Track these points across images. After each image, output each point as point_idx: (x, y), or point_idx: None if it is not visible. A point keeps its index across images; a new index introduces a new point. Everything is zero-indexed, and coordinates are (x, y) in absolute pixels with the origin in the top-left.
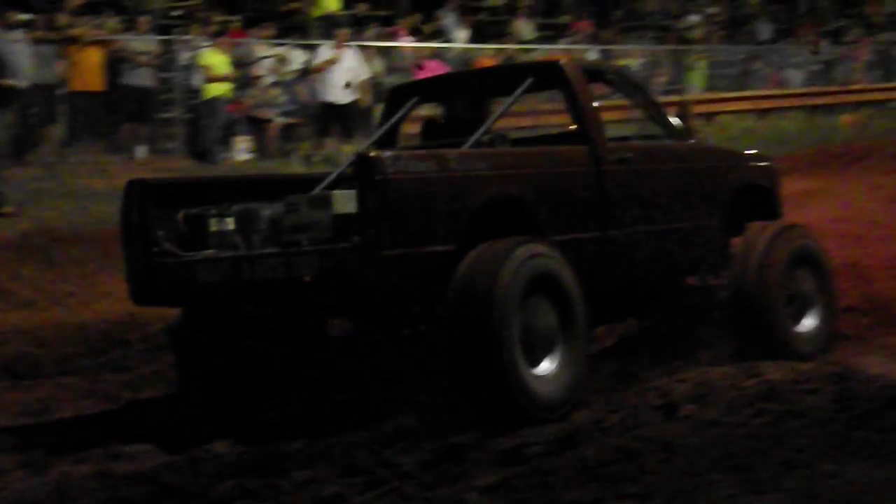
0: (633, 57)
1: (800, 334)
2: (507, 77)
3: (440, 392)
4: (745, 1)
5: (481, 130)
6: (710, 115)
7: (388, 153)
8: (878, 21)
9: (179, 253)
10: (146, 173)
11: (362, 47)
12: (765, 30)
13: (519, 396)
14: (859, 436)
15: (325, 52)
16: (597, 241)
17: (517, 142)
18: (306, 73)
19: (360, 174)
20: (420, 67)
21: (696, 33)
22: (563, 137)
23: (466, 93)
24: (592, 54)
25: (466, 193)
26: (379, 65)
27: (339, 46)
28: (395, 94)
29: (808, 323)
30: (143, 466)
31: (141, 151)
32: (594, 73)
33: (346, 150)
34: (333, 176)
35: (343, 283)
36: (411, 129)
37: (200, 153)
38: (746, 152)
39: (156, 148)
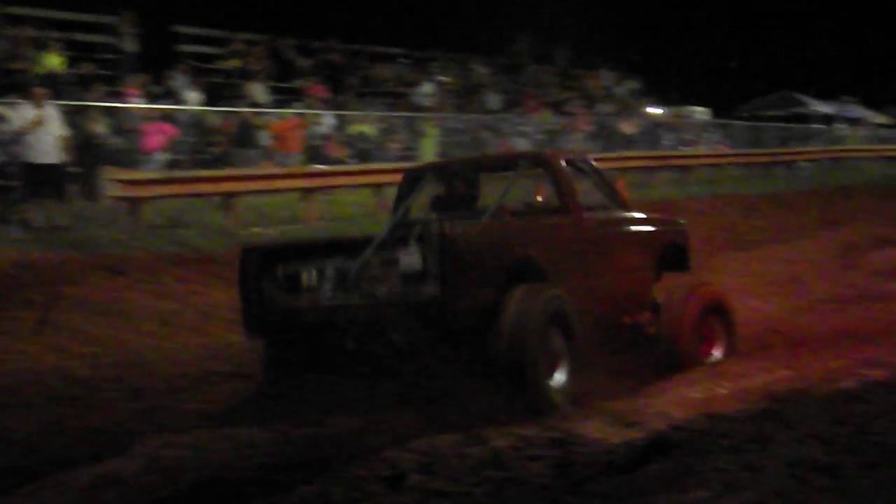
0: (367, 123)
1: None
2: (505, 163)
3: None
4: (475, 71)
5: (495, 206)
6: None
7: (452, 223)
8: (596, 94)
9: (281, 300)
10: None
11: (87, 107)
12: (493, 100)
13: (542, 400)
14: (574, 502)
15: (27, 111)
16: (578, 286)
17: (513, 213)
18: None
19: (432, 239)
20: (149, 129)
21: (429, 101)
22: (549, 209)
23: (468, 174)
24: (328, 119)
25: (504, 253)
26: (105, 125)
27: (37, 106)
28: (410, 175)
29: None
30: None
31: None
32: (569, 161)
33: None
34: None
35: (422, 325)
36: None
37: None
38: (667, 218)
39: None
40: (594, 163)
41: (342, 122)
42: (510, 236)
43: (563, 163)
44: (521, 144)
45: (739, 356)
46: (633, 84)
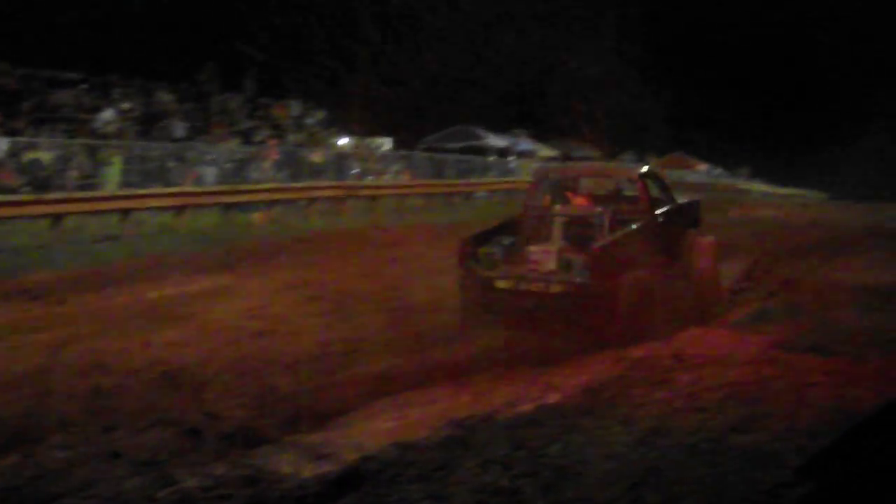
0: (43, 149)
1: None
2: (605, 174)
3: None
4: (158, 98)
5: (610, 238)
6: (126, 212)
7: (600, 244)
8: (284, 124)
9: (486, 273)
10: None
11: None
12: (179, 128)
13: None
14: None
15: None
16: (653, 256)
17: (615, 217)
18: None
19: (589, 252)
20: None
21: (111, 128)
22: (635, 212)
23: (576, 178)
24: (2, 144)
25: (619, 259)
26: None
27: None
28: (539, 173)
29: None
30: None
31: None
32: (645, 174)
33: None
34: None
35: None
36: None
37: None
38: (693, 200)
39: None
40: (658, 171)
41: (17, 148)
42: (623, 250)
43: (643, 179)
44: (209, 173)
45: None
46: (320, 114)
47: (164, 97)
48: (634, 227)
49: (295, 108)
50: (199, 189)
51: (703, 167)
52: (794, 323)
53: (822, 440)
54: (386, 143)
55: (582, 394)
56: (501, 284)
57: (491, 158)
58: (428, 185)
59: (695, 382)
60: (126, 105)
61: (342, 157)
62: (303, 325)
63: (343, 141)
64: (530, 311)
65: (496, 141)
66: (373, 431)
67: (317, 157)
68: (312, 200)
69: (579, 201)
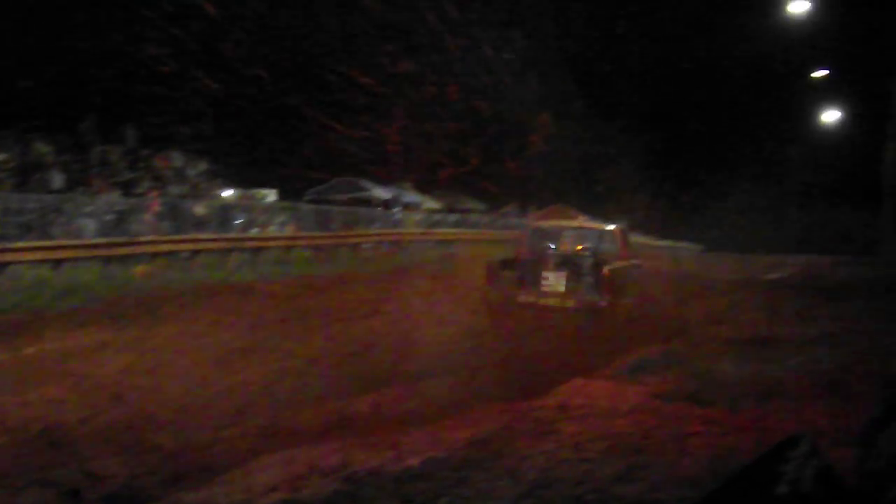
0: None
1: None
2: (590, 228)
3: None
4: (36, 149)
5: (610, 264)
6: (2, 266)
7: (610, 266)
8: (166, 175)
9: (510, 291)
10: None
11: None
12: (57, 179)
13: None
14: None
15: None
16: (632, 283)
17: (602, 259)
18: None
19: (598, 275)
20: None
21: None
22: (615, 256)
23: (563, 230)
24: None
25: (622, 279)
26: None
27: None
28: (535, 230)
29: None
30: None
31: None
32: (622, 230)
33: None
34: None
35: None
36: None
37: None
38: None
39: None
40: (625, 228)
41: None
42: (622, 274)
43: (622, 232)
44: (89, 225)
45: (313, 437)
46: (203, 165)
47: (42, 148)
48: (619, 265)
49: (177, 159)
50: (77, 242)
51: (583, 219)
52: (671, 373)
53: (703, 489)
54: (271, 195)
55: (468, 446)
56: (522, 300)
57: (377, 210)
58: (314, 236)
59: (579, 433)
60: (2, 156)
61: (226, 208)
62: (187, 379)
63: (227, 192)
64: (546, 320)
65: (381, 192)
66: (259, 487)
67: (200, 208)
68: (196, 253)
69: (566, 245)
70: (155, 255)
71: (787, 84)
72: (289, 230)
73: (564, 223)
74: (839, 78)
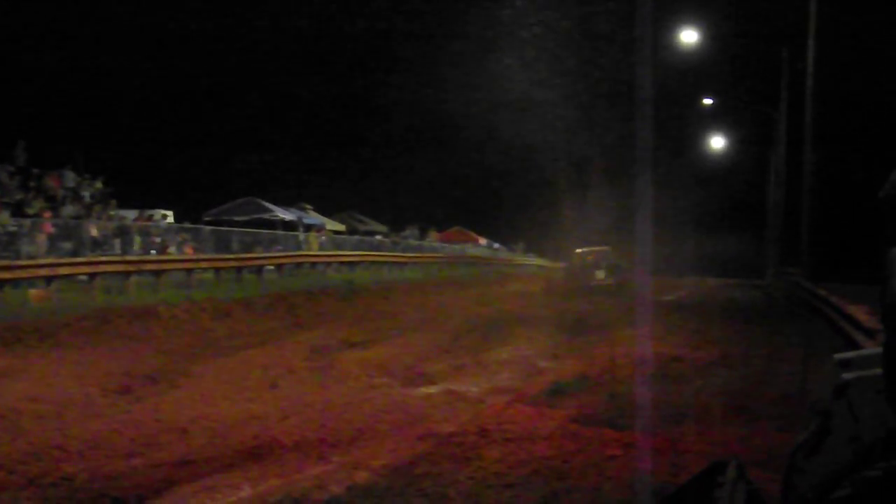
0: None
1: None
2: (605, 251)
3: None
4: None
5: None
6: None
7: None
8: (59, 195)
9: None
10: None
11: None
12: None
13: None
14: None
15: None
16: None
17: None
18: None
19: (613, 269)
20: None
21: None
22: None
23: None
24: None
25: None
26: None
27: None
28: (579, 252)
29: None
30: None
31: None
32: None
33: None
34: None
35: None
36: None
37: None
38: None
39: None
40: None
41: None
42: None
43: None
44: None
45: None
46: (98, 185)
47: None
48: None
49: (70, 178)
50: None
51: (483, 241)
52: (587, 397)
53: None
54: (169, 216)
55: (392, 473)
56: (592, 281)
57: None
58: (216, 258)
59: (502, 459)
60: None
61: (124, 230)
62: (91, 408)
63: (123, 213)
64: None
65: (283, 214)
66: None
67: (97, 229)
68: (94, 276)
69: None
70: (51, 278)
71: (677, 111)
72: (189, 252)
73: (594, 248)
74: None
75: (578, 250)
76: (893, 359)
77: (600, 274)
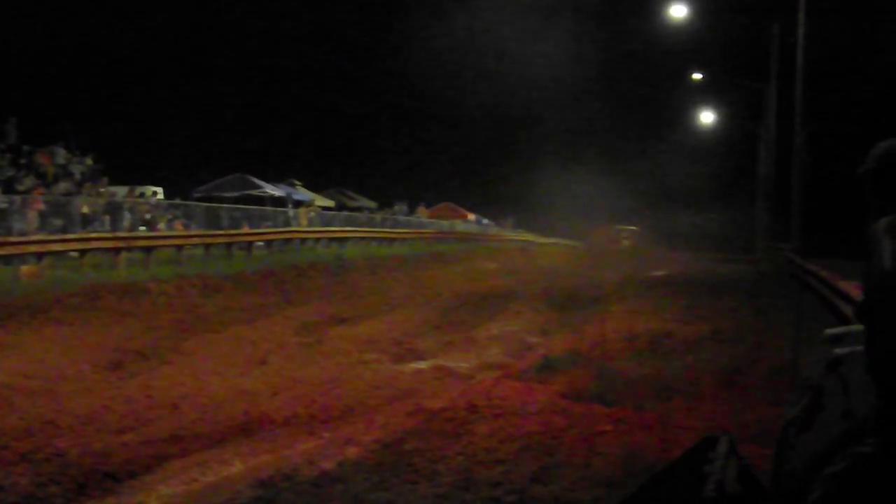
0: None
1: None
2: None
3: None
4: None
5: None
6: None
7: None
8: (49, 172)
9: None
10: None
11: None
12: None
13: None
14: None
15: None
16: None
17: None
18: None
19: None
20: None
21: None
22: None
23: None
24: None
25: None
26: None
27: None
28: (616, 229)
29: None
30: None
31: None
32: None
33: None
34: None
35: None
36: None
37: None
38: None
39: None
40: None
41: None
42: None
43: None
44: None
45: (219, 442)
46: (88, 162)
47: None
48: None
49: (60, 155)
50: None
51: (472, 217)
52: (577, 373)
53: (617, 489)
54: (159, 192)
55: (382, 449)
56: (623, 244)
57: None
58: (206, 234)
59: (492, 434)
60: None
61: (114, 206)
62: (82, 383)
63: (114, 190)
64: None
65: (273, 190)
66: (170, 496)
67: (87, 206)
68: (85, 252)
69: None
70: (42, 254)
71: (666, 85)
72: (179, 228)
73: (622, 226)
74: (716, 80)
75: (617, 226)
76: (875, 330)
77: (625, 242)
